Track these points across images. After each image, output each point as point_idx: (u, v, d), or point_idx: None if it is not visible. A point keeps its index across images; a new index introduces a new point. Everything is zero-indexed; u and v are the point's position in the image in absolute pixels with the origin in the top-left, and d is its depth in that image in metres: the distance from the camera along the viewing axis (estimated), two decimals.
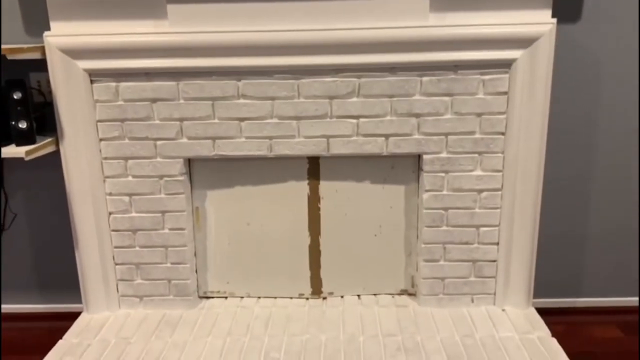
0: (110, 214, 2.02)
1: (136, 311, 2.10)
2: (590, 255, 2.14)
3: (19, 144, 1.82)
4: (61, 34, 1.84)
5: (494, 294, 2.06)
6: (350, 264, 2.13)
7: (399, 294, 2.16)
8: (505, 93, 1.86)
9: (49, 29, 1.87)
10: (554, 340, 1.85)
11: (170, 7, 1.81)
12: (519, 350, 1.80)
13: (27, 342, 2.07)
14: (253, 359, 1.79)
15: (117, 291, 2.09)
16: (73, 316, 2.10)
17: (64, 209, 2.07)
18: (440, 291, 2.06)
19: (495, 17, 1.81)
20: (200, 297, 2.17)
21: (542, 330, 1.91)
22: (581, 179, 2.06)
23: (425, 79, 1.85)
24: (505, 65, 1.83)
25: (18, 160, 2.07)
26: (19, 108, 1.81)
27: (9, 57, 1.72)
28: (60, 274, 2.21)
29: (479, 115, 1.88)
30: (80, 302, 2.17)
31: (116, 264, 2.07)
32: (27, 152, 1.78)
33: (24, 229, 2.16)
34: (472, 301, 2.07)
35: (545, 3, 1.80)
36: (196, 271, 2.13)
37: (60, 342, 1.92)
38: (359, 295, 2.16)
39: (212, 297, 2.17)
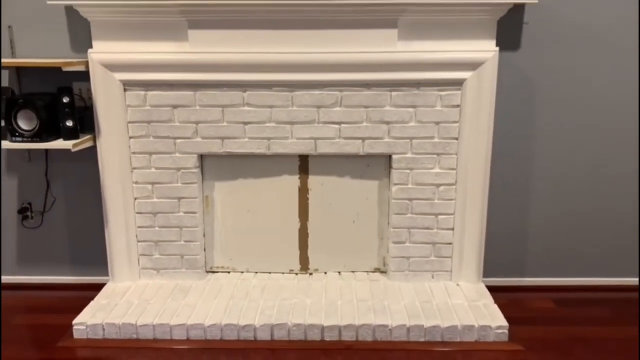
0: (135, 199, 2.44)
1: (154, 281, 2.52)
2: (531, 240, 2.58)
3: (66, 138, 2.25)
4: (102, 51, 2.28)
5: (450, 271, 2.49)
6: (332, 246, 2.56)
7: (373, 272, 2.59)
8: (458, 106, 2.32)
9: (91, 46, 2.32)
10: (496, 306, 2.29)
11: (191, 32, 2.26)
12: (466, 312, 2.23)
13: (61, 306, 2.47)
14: (251, 315, 2.21)
15: (138, 264, 2.51)
16: (98, 287, 2.52)
17: (95, 195, 2.50)
18: (406, 268, 2.50)
19: (450, 45, 2.26)
20: (207, 272, 2.59)
21: (487, 299, 2.35)
22: (522, 174, 2.51)
23: (394, 93, 2.31)
24: (458, 83, 2.29)
25: (59, 153, 2.50)
26: (66, 110, 2.24)
27: (64, 69, 2.16)
28: (88, 250, 2.63)
29: (437, 123, 2.34)
30: (103, 275, 2.60)
31: (138, 241, 2.49)
32: (74, 145, 2.22)
33: (61, 211, 2.58)
34: (432, 277, 2.50)
35: (490, 34, 2.26)
36: (204, 249, 2.55)
37: (91, 302, 2.34)
38: (339, 272, 2.59)
39: (217, 272, 2.60)
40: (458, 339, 2.15)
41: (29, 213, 2.57)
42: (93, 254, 2.63)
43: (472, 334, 2.15)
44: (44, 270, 2.65)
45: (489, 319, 2.19)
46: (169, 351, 2.12)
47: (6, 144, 2.23)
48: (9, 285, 2.64)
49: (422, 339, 2.15)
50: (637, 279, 2.61)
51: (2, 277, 2.65)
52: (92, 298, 2.39)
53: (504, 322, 2.16)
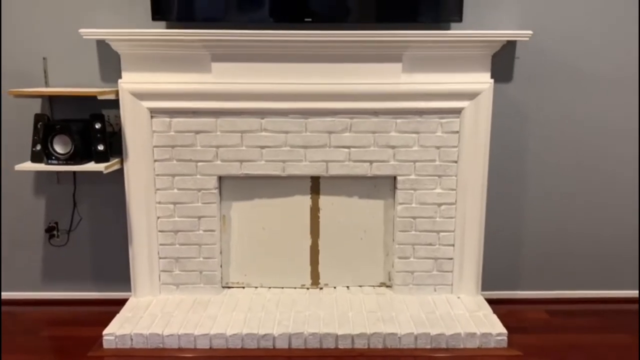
0: (158, 218, 2.62)
1: (173, 296, 2.67)
2: (525, 256, 2.79)
3: (98, 161, 2.43)
4: (131, 81, 2.48)
5: (451, 284, 2.68)
6: (341, 261, 2.74)
7: (379, 286, 2.77)
8: (457, 132, 2.54)
9: (119, 77, 2.52)
10: (495, 315, 2.47)
11: (214, 65, 2.47)
12: (468, 321, 2.42)
13: (86, 320, 2.61)
14: (269, 325, 2.37)
15: (159, 280, 2.67)
16: (119, 302, 2.67)
17: (117, 215, 2.67)
18: (410, 282, 2.68)
19: (450, 77, 2.50)
20: (223, 287, 2.75)
21: (486, 310, 2.54)
22: (516, 194, 2.73)
23: (398, 120, 2.53)
24: (457, 112, 2.52)
25: (86, 175, 2.67)
26: (98, 135, 2.43)
27: (99, 97, 2.36)
28: (110, 267, 2.78)
29: (438, 147, 2.56)
30: (124, 291, 2.76)
31: (160, 258, 2.66)
32: (106, 167, 2.40)
33: (85, 230, 2.74)
34: (435, 290, 2.69)
35: (485, 68, 2.51)
36: (221, 265, 2.72)
37: (118, 315, 2.48)
38: (348, 286, 2.76)
39: (233, 287, 2.76)
40: (461, 346, 2.33)
41: (55, 232, 2.73)
42: (115, 270, 2.78)
43: (475, 341, 2.33)
44: (68, 286, 2.79)
45: (489, 327, 2.37)
46: (194, 359, 2.27)
47: (42, 167, 2.40)
48: (35, 301, 2.78)
49: (428, 346, 2.32)
50: (623, 292, 2.82)
51: (28, 293, 2.79)
52: (114, 312, 2.54)
53: (503, 330, 2.35)
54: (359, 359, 2.27)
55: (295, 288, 2.76)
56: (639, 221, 2.75)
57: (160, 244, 2.64)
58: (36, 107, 2.62)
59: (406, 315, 2.47)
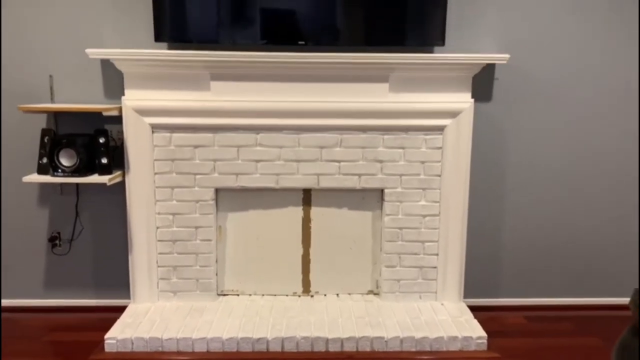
0: (157, 228, 2.75)
1: (171, 303, 2.80)
2: (505, 266, 2.95)
3: (101, 174, 2.57)
4: (134, 98, 2.63)
5: (436, 292, 2.83)
6: (332, 270, 2.89)
7: (367, 293, 2.92)
8: (440, 148, 2.71)
9: (122, 94, 2.66)
10: (476, 320, 2.63)
11: (213, 83, 2.63)
12: (451, 326, 2.57)
13: (87, 325, 2.72)
14: (263, 329, 2.51)
15: (158, 287, 2.79)
16: (118, 309, 2.79)
17: (118, 225, 2.80)
18: (396, 290, 2.83)
19: (433, 97, 2.68)
20: (218, 294, 2.88)
21: (468, 315, 2.69)
22: (495, 206, 2.90)
23: (386, 136, 2.70)
24: (440, 129, 2.69)
25: (88, 186, 2.80)
26: (102, 149, 2.57)
27: (104, 113, 2.50)
28: (110, 275, 2.90)
29: (422, 162, 2.73)
30: (123, 298, 2.87)
31: (158, 266, 2.78)
32: (109, 179, 2.53)
33: (87, 240, 2.86)
34: (420, 297, 2.84)
35: (466, 88, 2.69)
36: (217, 273, 2.85)
37: (118, 320, 2.60)
38: (337, 294, 2.91)
39: (227, 294, 2.89)
40: (444, 349, 2.48)
41: (57, 241, 2.85)
42: (115, 278, 2.90)
43: (456, 344, 2.48)
44: (69, 294, 2.90)
45: (470, 331, 2.53)
46: None
47: (48, 178, 2.53)
48: (37, 308, 2.89)
49: (413, 349, 2.47)
50: (594, 299, 2.99)
51: (31, 300, 2.89)
52: (114, 319, 2.65)
53: (483, 334, 2.50)
54: None
55: (287, 295, 2.89)
56: (616, 233, 2.94)
57: (159, 253, 2.77)
58: (41, 121, 2.76)
59: (393, 320, 2.62)
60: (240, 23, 2.57)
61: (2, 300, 2.89)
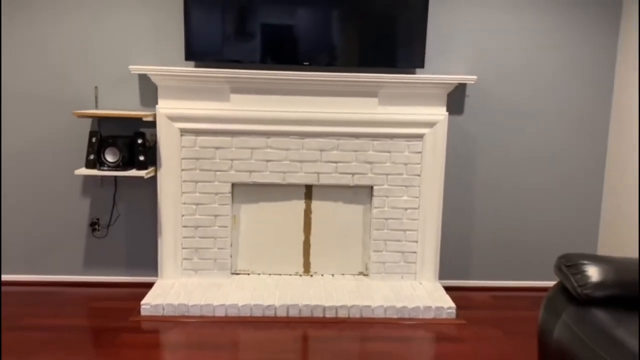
0: (182, 215, 3.27)
1: (192, 279, 3.31)
2: (474, 252, 3.49)
3: (139, 169, 3.10)
4: (166, 107, 3.17)
5: (415, 273, 3.37)
6: (328, 254, 3.41)
7: (358, 274, 3.44)
8: (420, 152, 3.26)
9: (155, 103, 3.20)
10: (447, 295, 3.16)
11: (232, 95, 3.17)
12: (426, 299, 3.10)
13: (122, 297, 3.23)
14: (271, 299, 3.03)
15: (181, 266, 3.31)
16: (146, 285, 3.30)
17: (148, 213, 3.32)
18: (382, 271, 3.36)
19: (415, 110, 3.23)
20: (232, 274, 3.40)
21: (442, 291, 3.23)
22: (467, 202, 3.44)
23: (375, 142, 3.24)
24: (420, 136, 3.24)
25: (124, 179, 3.32)
26: (140, 148, 3.10)
27: (144, 119, 3.04)
28: (140, 256, 3.41)
29: (405, 164, 3.27)
30: (151, 275, 3.39)
31: (183, 248, 3.30)
32: (146, 173, 3.06)
33: (122, 225, 3.38)
34: (402, 277, 3.37)
35: (442, 103, 3.24)
36: (231, 255, 3.37)
37: (149, 292, 3.12)
38: (333, 274, 3.43)
39: (240, 274, 3.41)
40: (420, 316, 3.01)
41: (97, 226, 3.36)
42: (144, 258, 3.41)
43: (430, 313, 3.01)
44: (105, 271, 3.41)
45: (442, 302, 3.06)
46: (212, 323, 2.91)
47: (96, 172, 3.06)
48: (77, 283, 3.40)
49: (395, 316, 3.00)
50: (548, 282, 3.53)
51: (73, 277, 3.40)
52: (142, 293, 3.17)
53: (452, 305, 3.04)
54: (342, 324, 2.93)
55: (290, 275, 3.42)
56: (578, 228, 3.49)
57: (184, 237, 3.29)
58: (86, 125, 3.28)
59: (379, 294, 3.15)
60: (256, 47, 3.12)
61: (49, 276, 3.40)
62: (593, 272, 2.06)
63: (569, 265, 2.13)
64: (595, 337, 1.87)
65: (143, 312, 2.96)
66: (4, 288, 3.32)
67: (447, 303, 3.06)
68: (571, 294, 2.09)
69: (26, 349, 2.60)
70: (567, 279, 2.11)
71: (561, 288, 2.18)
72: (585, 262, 2.10)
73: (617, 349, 1.76)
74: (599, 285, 2.01)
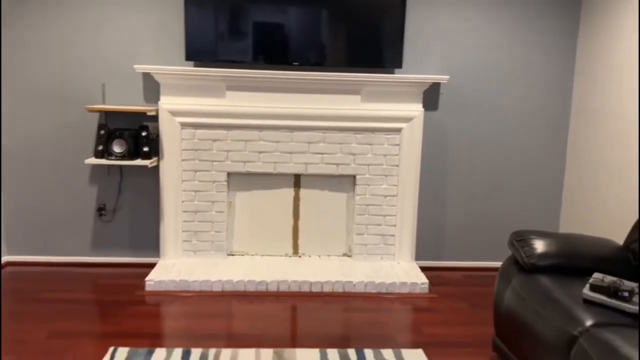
0: (182, 201, 3.59)
1: (191, 259, 3.64)
2: (447, 235, 3.85)
3: (143, 159, 3.41)
4: (168, 102, 3.48)
5: (394, 254, 3.72)
6: (315, 237, 3.75)
7: (342, 255, 3.79)
8: (398, 145, 3.61)
9: (158, 99, 3.52)
10: (422, 273, 3.51)
11: (228, 92, 3.50)
12: (402, 276, 3.45)
13: (126, 275, 3.55)
14: (264, 276, 3.36)
15: (182, 247, 3.64)
16: (149, 265, 3.63)
17: (150, 200, 3.64)
18: (364, 252, 3.71)
19: (393, 106, 3.57)
20: (228, 255, 3.73)
21: (417, 270, 3.58)
22: (440, 189, 3.79)
23: (358, 135, 3.58)
24: (398, 130, 3.59)
25: (129, 168, 3.64)
26: (144, 140, 3.41)
27: (148, 113, 3.35)
28: (143, 238, 3.73)
29: (385, 155, 3.62)
30: (153, 257, 3.71)
31: (183, 231, 3.63)
32: (150, 163, 3.38)
33: (127, 211, 3.70)
34: (382, 258, 3.72)
35: (418, 100, 3.58)
36: (226, 239, 3.70)
37: (153, 270, 3.44)
38: (319, 255, 3.78)
39: (235, 255, 3.74)
40: (397, 291, 3.36)
41: (103, 211, 3.68)
42: (146, 241, 3.73)
43: (406, 288, 3.36)
44: (111, 252, 3.73)
45: (416, 279, 3.42)
46: (209, 297, 3.24)
47: (104, 161, 3.37)
48: (85, 263, 3.71)
49: (374, 291, 3.35)
50: None
51: (81, 257, 3.72)
52: (145, 273, 3.49)
53: (426, 280, 3.40)
54: (326, 298, 3.28)
55: (281, 256, 3.76)
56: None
57: (184, 221, 3.62)
58: (94, 118, 3.59)
59: (360, 272, 3.50)
60: (250, 49, 3.44)
61: (59, 257, 3.71)
62: (539, 245, 2.42)
63: (519, 240, 2.49)
64: (537, 298, 2.22)
65: (147, 288, 3.29)
66: (19, 268, 3.63)
67: (421, 279, 3.42)
68: (520, 264, 2.45)
69: (46, 317, 2.92)
70: (517, 251, 2.47)
71: (512, 260, 2.54)
72: (533, 237, 2.46)
73: (554, 307, 2.12)
74: (542, 255, 2.37)
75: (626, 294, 1.97)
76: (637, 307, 1.93)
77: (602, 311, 1.98)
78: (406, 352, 2.61)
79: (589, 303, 2.04)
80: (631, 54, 3.16)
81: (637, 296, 1.99)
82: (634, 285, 2.04)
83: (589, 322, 1.92)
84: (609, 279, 2.10)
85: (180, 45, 3.52)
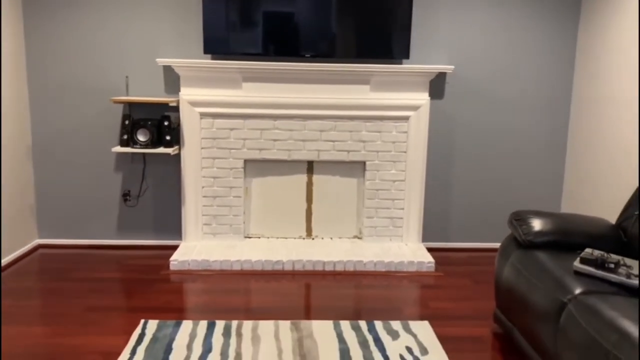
0: (202, 187, 3.82)
1: (211, 242, 3.87)
2: (453, 218, 4.05)
3: (166, 147, 3.64)
4: (188, 94, 3.70)
5: (402, 236, 3.92)
6: (327, 220, 3.97)
7: (352, 238, 4.00)
8: (406, 132, 3.80)
9: (178, 90, 3.73)
10: (428, 253, 3.72)
11: (244, 84, 3.70)
12: (410, 255, 3.66)
13: (150, 257, 3.79)
14: (280, 255, 3.59)
15: (202, 230, 3.87)
16: (172, 247, 3.86)
17: (172, 186, 3.87)
18: (374, 234, 3.92)
19: (401, 95, 3.76)
20: (245, 237, 3.95)
21: (424, 250, 3.79)
22: (446, 174, 3.99)
23: (367, 123, 3.78)
24: (406, 118, 3.78)
25: (152, 156, 3.86)
26: (167, 129, 3.63)
27: (170, 104, 3.57)
28: (166, 222, 3.96)
29: (393, 142, 3.81)
30: (175, 239, 3.94)
31: (203, 215, 3.86)
32: (173, 151, 3.60)
33: (150, 196, 3.93)
34: (390, 240, 3.93)
35: (425, 89, 3.77)
36: (244, 222, 3.92)
37: (176, 251, 3.68)
38: (331, 237, 3.99)
39: (252, 237, 3.97)
40: (405, 270, 3.57)
41: (128, 197, 3.91)
42: (169, 224, 3.97)
43: (414, 266, 3.57)
44: (135, 235, 3.97)
45: (423, 258, 3.62)
46: (229, 275, 3.47)
47: (129, 149, 3.60)
48: (111, 246, 3.96)
49: (383, 269, 3.56)
50: None
51: (107, 240, 3.97)
52: (168, 254, 3.73)
53: (432, 260, 3.60)
54: (338, 276, 3.50)
55: (295, 238, 3.98)
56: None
57: (203, 205, 3.84)
58: (117, 109, 3.81)
59: (370, 252, 3.71)
60: (264, 43, 3.64)
61: (86, 240, 3.96)
62: (536, 224, 2.61)
63: (517, 219, 2.68)
64: (532, 271, 2.42)
65: (172, 267, 3.52)
66: (49, 250, 3.88)
67: (427, 259, 3.62)
68: (518, 242, 2.65)
69: (80, 294, 3.17)
70: (515, 230, 2.66)
71: (512, 238, 2.74)
72: (530, 216, 2.66)
73: (547, 278, 2.31)
74: (539, 233, 2.57)
75: (612, 266, 2.16)
76: (621, 278, 2.13)
77: (590, 281, 2.17)
78: (413, 324, 2.83)
79: (578, 274, 2.23)
80: (630, 44, 3.32)
81: (622, 267, 2.18)
82: (619, 258, 2.24)
83: (577, 291, 2.12)
84: (597, 252, 2.29)
85: (199, 39, 3.72)
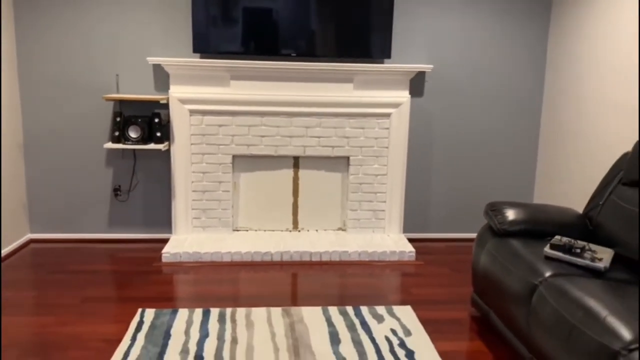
0: (192, 182, 3.94)
1: (201, 235, 4.00)
2: (432, 209, 4.25)
3: (157, 143, 3.75)
4: (177, 91, 3.81)
5: (384, 227, 4.11)
6: (313, 213, 4.13)
7: (337, 230, 4.18)
8: (388, 128, 3.98)
9: (168, 88, 3.84)
10: (409, 243, 3.92)
11: (232, 82, 3.83)
12: (392, 245, 3.85)
13: (141, 249, 3.91)
14: (268, 247, 3.74)
15: (192, 224, 3.99)
16: (162, 240, 3.98)
17: (162, 181, 3.98)
18: (357, 226, 4.10)
19: (383, 93, 3.93)
20: (233, 230, 4.09)
21: (405, 241, 3.98)
22: (425, 168, 4.19)
23: (351, 120, 3.95)
24: (387, 115, 3.96)
25: (142, 152, 3.97)
26: (157, 126, 3.75)
27: (160, 101, 3.68)
28: (156, 216, 4.08)
29: (375, 138, 3.99)
30: (165, 233, 4.06)
31: (192, 209, 3.98)
32: (163, 147, 3.72)
33: (140, 191, 4.04)
34: (373, 231, 4.12)
35: (405, 87, 3.95)
36: (232, 215, 4.06)
37: (167, 244, 3.80)
38: (317, 230, 4.16)
39: (240, 230, 4.11)
40: (387, 259, 3.76)
41: (119, 192, 4.01)
42: (159, 218, 4.08)
43: (395, 256, 3.76)
44: (126, 229, 4.08)
45: (404, 248, 3.82)
46: (220, 266, 3.61)
47: (121, 145, 3.70)
48: (103, 240, 4.06)
49: (367, 259, 3.75)
50: None
51: (99, 234, 4.06)
52: (159, 248, 3.85)
53: (413, 249, 3.80)
54: (324, 266, 3.67)
55: (282, 230, 4.13)
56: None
57: (193, 200, 3.97)
58: (108, 106, 3.91)
59: (354, 243, 3.89)
60: (250, 42, 3.77)
61: (78, 234, 4.05)
62: (510, 214, 2.82)
63: (493, 209, 2.89)
64: (506, 257, 2.63)
65: (164, 259, 3.65)
66: (41, 245, 3.97)
67: (408, 248, 3.82)
68: (493, 230, 2.86)
69: (76, 285, 3.27)
70: (491, 219, 2.87)
71: (488, 227, 2.94)
72: (505, 206, 2.86)
73: (520, 263, 2.52)
74: (513, 222, 2.78)
75: (578, 251, 2.38)
76: (586, 261, 2.34)
77: (559, 265, 2.38)
78: (397, 308, 3.02)
79: (548, 259, 2.44)
80: (598, 42, 3.56)
81: (587, 252, 2.40)
82: (585, 243, 2.45)
83: (547, 274, 2.33)
84: (565, 239, 2.50)
85: (188, 38, 3.83)
